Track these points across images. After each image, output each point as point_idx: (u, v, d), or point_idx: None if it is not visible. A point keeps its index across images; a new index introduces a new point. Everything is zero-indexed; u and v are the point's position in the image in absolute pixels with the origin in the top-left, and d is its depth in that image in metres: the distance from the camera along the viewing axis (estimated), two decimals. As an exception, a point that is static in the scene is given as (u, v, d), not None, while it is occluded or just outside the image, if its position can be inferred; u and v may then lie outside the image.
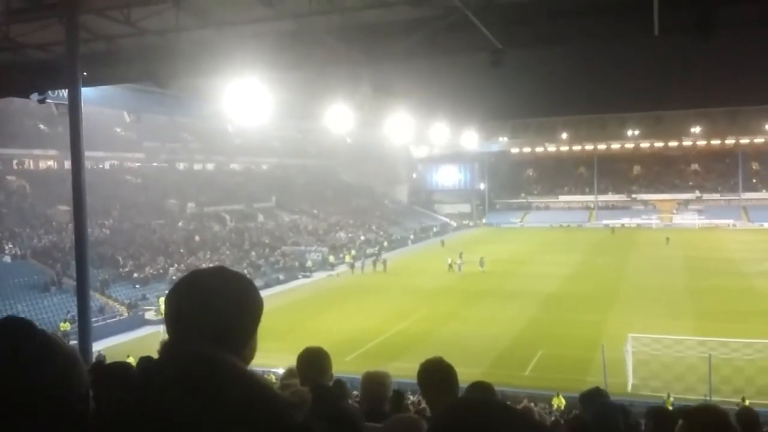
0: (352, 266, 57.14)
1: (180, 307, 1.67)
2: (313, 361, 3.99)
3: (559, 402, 21.97)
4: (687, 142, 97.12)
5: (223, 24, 17.10)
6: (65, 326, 32.51)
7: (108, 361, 13.08)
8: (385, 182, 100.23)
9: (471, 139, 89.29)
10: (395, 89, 53.81)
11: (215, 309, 1.63)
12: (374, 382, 4.01)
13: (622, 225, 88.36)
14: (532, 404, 16.39)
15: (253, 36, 17.02)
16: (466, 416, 1.40)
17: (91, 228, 38.47)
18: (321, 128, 57.08)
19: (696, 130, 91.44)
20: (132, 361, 11.39)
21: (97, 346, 24.24)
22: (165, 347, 1.66)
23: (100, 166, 63.02)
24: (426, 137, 79.19)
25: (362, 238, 71.88)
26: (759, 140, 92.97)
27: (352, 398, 7.37)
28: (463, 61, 37.31)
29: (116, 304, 40.31)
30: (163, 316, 1.73)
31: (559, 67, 73.75)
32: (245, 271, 49.20)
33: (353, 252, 63.04)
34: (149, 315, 39.18)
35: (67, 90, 18.07)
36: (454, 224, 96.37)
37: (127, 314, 39.15)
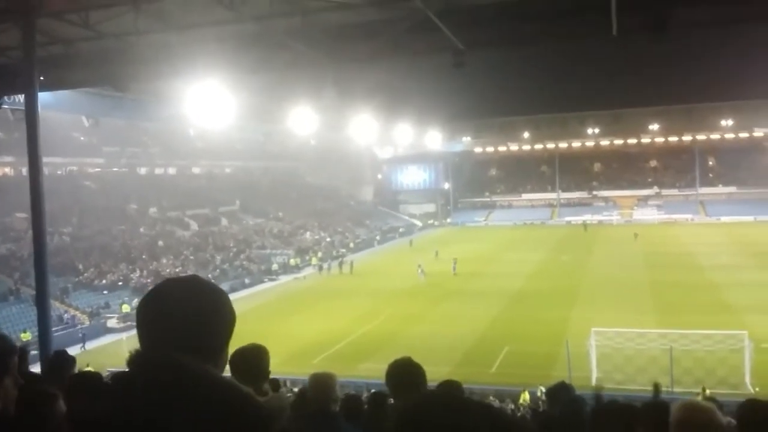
0: (320, 268, 57.04)
1: (152, 316, 1.67)
2: (249, 360, 3.67)
3: (525, 397, 22.23)
4: (645, 140, 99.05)
5: (184, 27, 16.91)
6: (26, 336, 31.79)
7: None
8: (350, 183, 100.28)
9: (435, 139, 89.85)
10: (359, 91, 53.82)
11: (188, 318, 1.64)
12: (320, 384, 3.90)
13: (583, 222, 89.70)
14: (497, 401, 16.59)
15: (214, 39, 16.87)
16: (432, 409, 1.42)
17: (51, 235, 37.66)
18: (285, 130, 56.84)
19: (654, 127, 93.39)
20: (91, 370, 11.17)
21: (59, 356, 23.70)
22: (136, 356, 1.66)
23: (59, 172, 61.72)
24: (390, 138, 79.44)
25: (328, 239, 71.72)
26: (715, 136, 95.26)
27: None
28: (426, 63, 37.46)
29: (77, 312, 39.54)
30: (136, 324, 1.74)
31: (521, 68, 74.47)
32: (210, 275, 48.75)
33: (320, 254, 62.91)
34: (111, 323, 38.54)
35: (23, 95, 17.67)
36: (420, 224, 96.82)
37: (88, 322, 38.42)
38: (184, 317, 1.64)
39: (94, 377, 4.33)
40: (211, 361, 1.64)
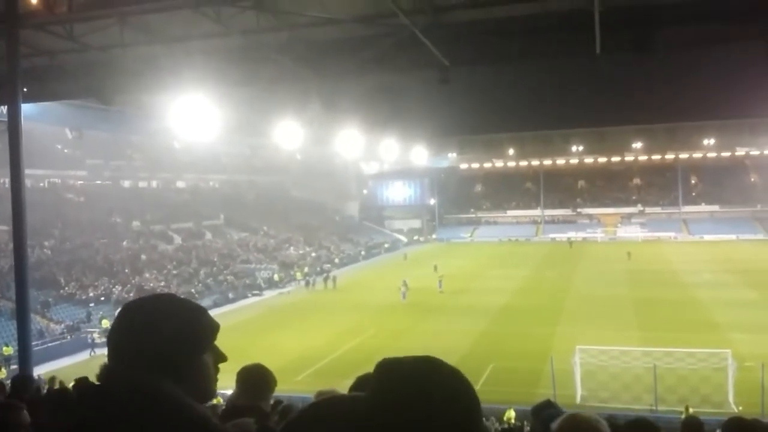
0: (306, 282, 56.90)
1: (119, 331, 1.68)
2: (252, 382, 3.84)
3: (510, 415, 22.17)
4: (629, 158, 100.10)
5: (170, 40, 16.90)
6: (8, 350, 31.35)
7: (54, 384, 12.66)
8: (336, 198, 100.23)
9: (420, 155, 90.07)
10: (345, 106, 53.95)
11: (151, 335, 1.64)
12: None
13: (568, 239, 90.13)
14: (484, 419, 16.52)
15: (200, 52, 16.88)
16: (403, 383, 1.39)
17: (32, 248, 37.22)
18: (271, 144, 56.80)
19: (637, 145, 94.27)
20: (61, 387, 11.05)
21: (39, 370, 23.39)
22: (102, 372, 1.66)
23: (41, 184, 61.20)
24: (376, 153, 79.53)
25: (313, 254, 71.52)
26: (697, 155, 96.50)
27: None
28: (412, 79, 37.69)
29: (58, 326, 39.03)
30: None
31: (505, 85, 74.96)
32: (193, 290, 48.40)
33: (306, 269, 62.70)
34: (96, 337, 38.05)
35: (6, 106, 17.53)
36: (405, 240, 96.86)
37: (69, 337, 37.93)
38: (151, 335, 1.64)
39: (62, 393, 4.29)
40: (178, 377, 1.63)
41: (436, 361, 1.45)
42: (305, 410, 1.43)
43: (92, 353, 34.56)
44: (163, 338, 1.64)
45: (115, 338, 1.68)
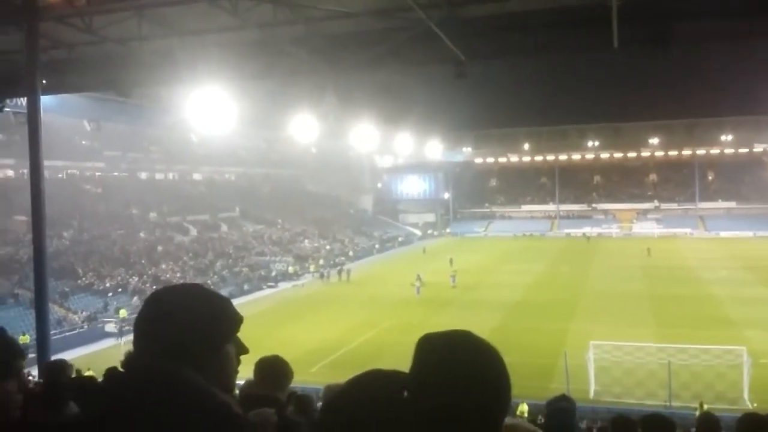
0: (321, 275, 57.12)
1: (143, 320, 1.70)
2: (271, 370, 3.93)
3: (523, 409, 22.14)
4: (645, 153, 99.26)
5: (187, 33, 16.97)
6: (25, 339, 31.70)
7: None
8: (350, 192, 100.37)
9: (435, 149, 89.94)
10: (360, 99, 53.96)
11: (174, 323, 1.66)
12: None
13: (584, 234, 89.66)
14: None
15: (217, 45, 16.92)
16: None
17: (50, 239, 37.62)
18: (286, 138, 56.88)
19: (654, 141, 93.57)
20: (91, 374, 11.15)
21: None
22: (126, 359, 1.68)
23: (59, 175, 61.74)
24: (391, 147, 79.49)
25: (327, 247, 71.70)
26: (715, 151, 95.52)
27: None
28: (428, 72, 37.59)
29: (75, 316, 39.47)
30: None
31: (522, 79, 74.69)
32: (209, 281, 48.69)
33: (320, 262, 62.91)
34: (109, 327, 38.42)
35: (26, 98, 17.69)
36: (419, 234, 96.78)
37: (86, 327, 38.34)
38: (174, 323, 1.66)
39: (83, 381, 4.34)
40: (200, 367, 1.64)
41: (476, 339, 1.45)
42: (346, 389, 1.44)
43: (119, 341, 34.76)
44: (186, 327, 1.66)
45: (140, 326, 1.70)
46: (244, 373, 4.41)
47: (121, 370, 1.71)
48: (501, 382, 1.40)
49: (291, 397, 4.54)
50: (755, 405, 21.56)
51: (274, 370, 3.93)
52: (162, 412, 1.50)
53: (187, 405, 1.52)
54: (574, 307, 40.40)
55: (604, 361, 25.73)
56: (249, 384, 3.96)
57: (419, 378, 1.36)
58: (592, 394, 24.06)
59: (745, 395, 22.96)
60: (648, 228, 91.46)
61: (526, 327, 35.26)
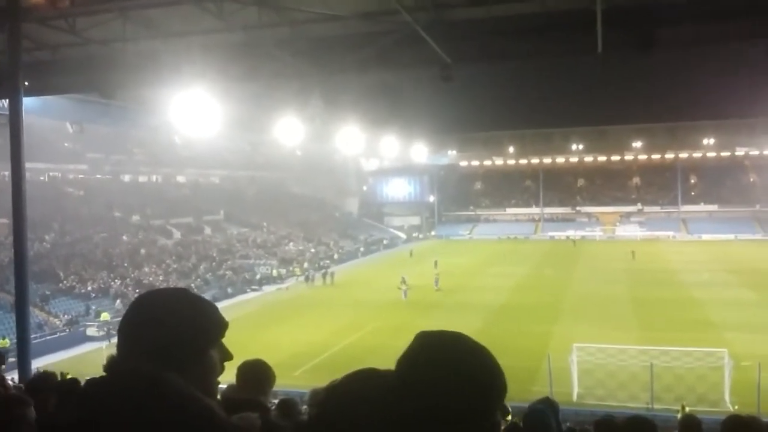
0: (306, 278, 56.98)
1: (130, 322, 1.70)
2: (254, 374, 3.91)
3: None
4: (629, 156, 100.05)
5: (172, 35, 16.90)
6: (4, 343, 31.36)
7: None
8: (336, 195, 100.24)
9: (420, 152, 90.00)
10: (346, 102, 53.91)
11: (159, 327, 1.66)
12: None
13: (567, 237, 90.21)
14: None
15: (201, 47, 16.86)
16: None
17: (31, 241, 37.23)
18: (271, 140, 56.68)
19: (637, 144, 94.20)
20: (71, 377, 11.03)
21: (36, 363, 23.42)
22: (109, 363, 1.68)
23: (41, 177, 61.16)
24: (376, 150, 79.47)
25: (312, 250, 71.54)
26: (697, 155, 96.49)
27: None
28: (413, 76, 37.67)
29: (56, 320, 39.06)
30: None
31: (506, 83, 74.85)
32: (193, 285, 48.40)
33: (305, 264, 62.78)
34: (91, 331, 38.04)
35: (7, 100, 17.51)
36: (404, 237, 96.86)
37: (67, 331, 37.96)
38: (159, 327, 1.66)
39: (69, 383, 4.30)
40: (182, 369, 1.64)
41: (468, 339, 1.43)
42: (337, 388, 1.43)
43: (102, 345, 34.32)
44: (170, 331, 1.66)
45: (125, 330, 1.70)
46: (227, 377, 4.39)
47: (103, 374, 1.71)
48: (493, 381, 1.39)
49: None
50: (736, 407, 21.76)
51: (256, 374, 3.91)
52: (145, 415, 1.50)
53: (170, 409, 1.52)
54: (558, 310, 40.61)
55: (587, 364, 25.87)
56: (231, 388, 3.94)
57: (407, 376, 1.36)
58: (575, 397, 24.19)
59: (727, 397, 23.18)
60: (631, 231, 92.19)
61: (509, 329, 35.38)
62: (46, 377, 4.93)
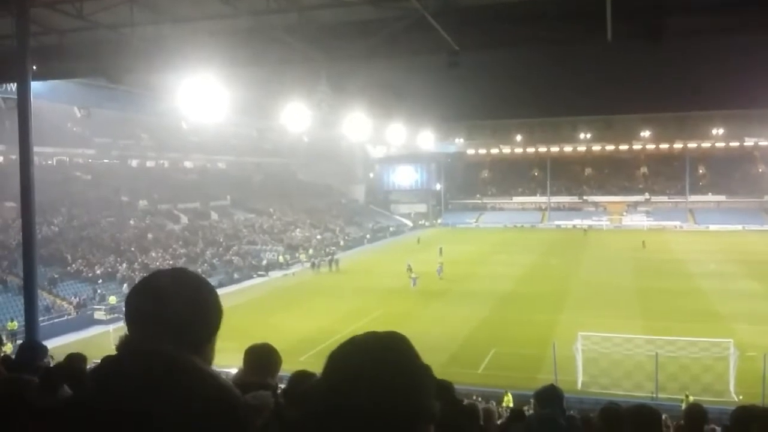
0: (312, 264, 57.12)
1: (139, 306, 1.70)
2: (261, 358, 3.98)
3: (508, 399, 22.29)
4: (637, 146, 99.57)
5: (179, 20, 16.85)
6: (13, 325, 31.61)
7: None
8: (342, 181, 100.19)
9: (427, 139, 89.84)
10: (353, 89, 53.78)
11: (174, 308, 1.67)
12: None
13: (574, 226, 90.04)
14: (482, 401, 16.60)
15: (209, 32, 16.81)
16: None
17: (39, 225, 37.43)
18: (278, 126, 56.70)
19: (645, 134, 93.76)
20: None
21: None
22: (123, 344, 1.68)
23: (49, 162, 61.35)
24: (383, 137, 79.38)
25: (318, 237, 71.66)
26: (706, 145, 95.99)
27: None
28: (421, 62, 37.51)
29: (64, 302, 39.34)
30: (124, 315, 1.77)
31: (515, 71, 74.73)
32: (199, 269, 48.58)
33: (311, 251, 62.92)
34: (98, 315, 38.32)
35: (16, 84, 17.53)
36: (410, 224, 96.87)
37: (75, 313, 38.24)
38: (175, 309, 1.67)
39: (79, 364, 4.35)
40: (198, 352, 1.66)
41: (387, 342, 1.45)
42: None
43: (109, 328, 34.59)
44: (190, 313, 1.68)
45: (140, 310, 1.70)
46: (234, 362, 4.41)
47: (115, 357, 1.71)
48: (406, 381, 1.37)
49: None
50: (741, 397, 21.78)
51: (263, 357, 3.97)
52: (167, 395, 1.50)
53: (191, 389, 1.53)
54: (564, 299, 40.60)
55: (592, 353, 25.90)
56: (240, 373, 4.00)
57: (324, 379, 1.38)
58: (579, 385, 24.23)
59: (732, 388, 23.18)
60: (638, 221, 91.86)
61: (515, 318, 35.44)
62: (34, 350, 4.97)
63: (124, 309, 1.76)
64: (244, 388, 3.52)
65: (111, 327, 32.52)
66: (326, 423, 1.29)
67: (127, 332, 1.72)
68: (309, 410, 1.33)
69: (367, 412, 1.29)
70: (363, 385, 1.31)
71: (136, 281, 1.88)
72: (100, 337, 31.91)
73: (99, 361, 1.94)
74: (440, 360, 27.10)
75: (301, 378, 4.24)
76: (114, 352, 1.75)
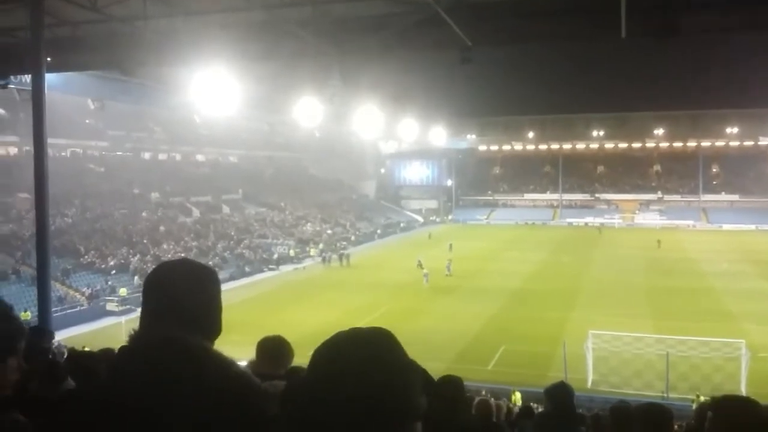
0: (323, 259, 57.25)
1: (149, 296, 1.73)
2: (274, 350, 4.01)
3: (516, 397, 22.25)
4: (650, 144, 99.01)
5: (192, 13, 16.86)
6: (26, 315, 31.85)
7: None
8: (353, 177, 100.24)
9: (439, 135, 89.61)
10: (365, 83, 53.71)
11: (192, 298, 1.70)
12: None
13: (586, 223, 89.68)
14: (491, 397, 16.57)
15: (221, 26, 16.81)
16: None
17: (53, 216, 37.69)
18: (290, 121, 56.68)
19: (659, 132, 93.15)
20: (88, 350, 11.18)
21: (58, 337, 23.78)
22: (135, 334, 1.69)
23: (62, 153, 61.74)
24: (395, 132, 79.24)
25: (329, 231, 71.77)
26: (719, 143, 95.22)
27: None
28: (434, 58, 37.44)
29: (77, 294, 39.62)
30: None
31: (528, 67, 74.36)
32: (211, 262, 48.80)
33: (321, 246, 63.05)
34: (111, 306, 38.58)
35: (30, 75, 17.61)
36: (421, 220, 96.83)
37: (87, 305, 38.51)
38: (188, 297, 1.70)
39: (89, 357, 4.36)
40: (209, 334, 1.69)
41: (371, 338, 1.41)
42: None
43: (121, 319, 34.85)
44: (205, 302, 1.70)
45: (150, 298, 1.72)
46: (245, 354, 4.42)
47: (134, 345, 1.72)
48: (391, 377, 1.34)
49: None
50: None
51: (276, 349, 4.03)
52: (185, 383, 1.51)
53: (213, 375, 1.56)
54: (575, 297, 40.47)
55: (602, 351, 25.81)
56: (252, 364, 4.02)
57: (308, 375, 1.37)
58: (589, 384, 24.16)
59: (743, 388, 23.02)
60: (650, 219, 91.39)
61: (525, 316, 35.36)
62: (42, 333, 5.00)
63: (141, 298, 1.77)
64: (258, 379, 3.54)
65: (123, 318, 32.74)
66: (310, 420, 1.28)
67: (140, 321, 1.72)
68: (292, 406, 1.32)
69: (351, 409, 1.27)
70: (347, 381, 1.29)
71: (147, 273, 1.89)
72: (112, 328, 32.11)
73: (110, 348, 1.95)
74: (449, 356, 27.13)
75: (293, 373, 4.25)
76: (128, 339, 1.76)
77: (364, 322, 34.35)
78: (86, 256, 45.06)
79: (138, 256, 47.61)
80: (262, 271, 53.58)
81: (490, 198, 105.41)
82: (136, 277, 42.87)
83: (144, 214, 58.04)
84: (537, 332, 31.42)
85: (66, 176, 52.17)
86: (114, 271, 44.18)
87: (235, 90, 33.28)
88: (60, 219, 47.90)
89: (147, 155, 74.22)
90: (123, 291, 39.95)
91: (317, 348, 1.42)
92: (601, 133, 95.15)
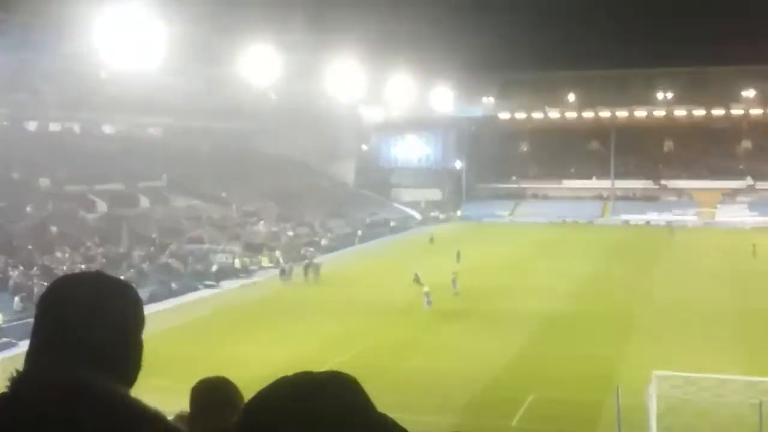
0: (282, 271, 57.20)
1: (41, 324, 1.72)
2: (216, 398, 3.99)
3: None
4: (737, 111, 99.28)
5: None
6: None
7: None
8: (324, 157, 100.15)
9: (444, 98, 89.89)
10: (339, 24, 53.67)
11: (88, 324, 1.69)
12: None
13: (648, 222, 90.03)
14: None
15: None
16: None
17: None
18: (235, 78, 56.65)
19: (749, 94, 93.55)
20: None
21: None
22: (19, 377, 1.69)
23: None
24: (381, 95, 79.37)
25: (290, 233, 71.70)
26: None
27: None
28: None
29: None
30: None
31: (566, 3, 74.54)
32: (123, 277, 48.54)
33: (277, 253, 62.96)
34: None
35: None
36: (419, 217, 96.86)
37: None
38: (95, 325, 1.69)
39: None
40: (126, 382, 1.69)
41: (328, 386, 1.50)
42: None
43: None
44: (120, 328, 1.71)
45: (41, 328, 1.72)
46: (178, 404, 4.43)
47: (16, 392, 1.72)
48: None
49: None
50: None
51: (217, 397, 3.94)
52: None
53: (123, 426, 1.55)
54: (633, 325, 40.63)
55: (671, 399, 25.93)
56: (183, 418, 4.00)
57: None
58: (653, 445, 24.30)
59: None
60: (737, 215, 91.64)
61: (562, 351, 35.43)
62: None
63: (30, 327, 1.78)
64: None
65: (2, 354, 32.63)
66: None
67: (26, 359, 1.73)
68: None
69: None
70: None
71: (35, 292, 1.90)
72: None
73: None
74: (457, 407, 27.19)
75: None
76: (7, 381, 1.76)
77: (337, 362, 34.36)
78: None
79: (20, 268, 47.29)
80: (195, 288, 53.38)
81: (515, 186, 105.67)
82: (16, 299, 42.59)
83: (28, 208, 57.68)
84: (579, 374, 31.52)
85: None
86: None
87: (158, 34, 33.24)
88: None
89: (32, 125, 73.72)
90: (-1, 317, 39.71)
91: (249, 401, 1.45)
92: (669, 95, 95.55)
